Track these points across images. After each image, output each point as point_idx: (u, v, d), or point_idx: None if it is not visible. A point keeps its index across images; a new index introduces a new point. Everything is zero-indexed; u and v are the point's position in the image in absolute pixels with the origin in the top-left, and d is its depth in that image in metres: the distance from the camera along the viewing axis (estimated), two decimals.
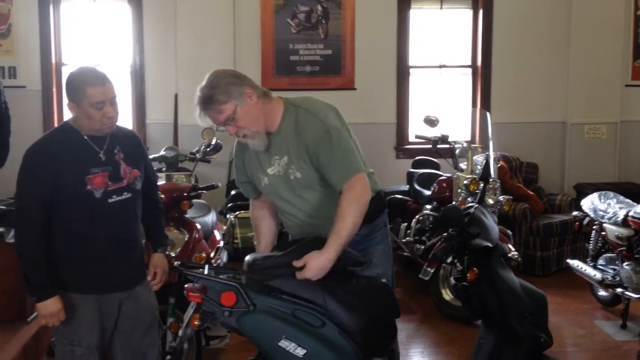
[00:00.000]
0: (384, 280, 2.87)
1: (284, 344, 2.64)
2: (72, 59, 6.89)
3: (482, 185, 3.69)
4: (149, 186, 3.13)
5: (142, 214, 3.11)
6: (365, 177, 2.78)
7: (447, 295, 5.10)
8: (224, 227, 5.22)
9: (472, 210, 2.90)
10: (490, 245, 2.75)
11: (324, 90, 6.84)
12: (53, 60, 6.79)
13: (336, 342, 2.68)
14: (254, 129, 2.82)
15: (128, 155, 2.94)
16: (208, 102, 2.76)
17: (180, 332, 2.76)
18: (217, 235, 4.76)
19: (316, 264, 2.66)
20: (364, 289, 2.79)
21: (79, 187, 2.77)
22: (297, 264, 2.67)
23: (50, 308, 2.77)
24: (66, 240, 2.82)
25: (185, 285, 2.72)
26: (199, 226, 4.07)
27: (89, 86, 2.72)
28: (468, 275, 2.78)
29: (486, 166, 3.57)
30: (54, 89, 6.81)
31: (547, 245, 6.21)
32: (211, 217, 4.68)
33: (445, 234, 2.77)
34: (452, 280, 2.96)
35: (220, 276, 2.75)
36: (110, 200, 2.84)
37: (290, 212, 2.98)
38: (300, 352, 2.64)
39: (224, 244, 5.08)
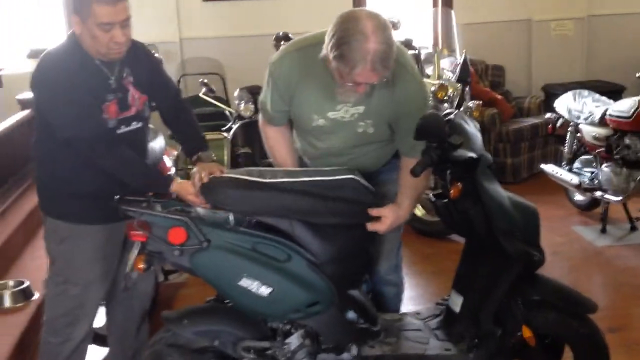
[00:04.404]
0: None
1: (245, 282, 2.30)
2: None
3: (455, 89, 3.30)
4: (170, 95, 2.75)
5: (172, 122, 2.78)
6: None
7: (418, 210, 4.82)
8: (175, 153, 4.81)
9: (452, 117, 2.54)
10: (474, 156, 2.40)
11: None
12: None
13: (305, 277, 2.36)
14: None
15: (137, 78, 2.55)
16: (385, 66, 2.27)
17: (124, 278, 2.40)
18: (168, 161, 4.34)
19: (396, 220, 2.53)
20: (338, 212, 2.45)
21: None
22: (373, 212, 2.48)
23: (183, 185, 2.45)
24: (74, 171, 2.50)
25: (127, 223, 2.35)
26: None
27: (96, 3, 2.28)
28: (451, 191, 2.44)
29: (463, 66, 3.18)
30: None
31: (517, 151, 5.98)
32: (159, 142, 4.24)
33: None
34: (432, 197, 2.63)
35: (167, 210, 2.37)
36: (118, 132, 2.48)
37: (327, 152, 2.65)
38: (265, 291, 2.31)
39: (177, 170, 4.70)
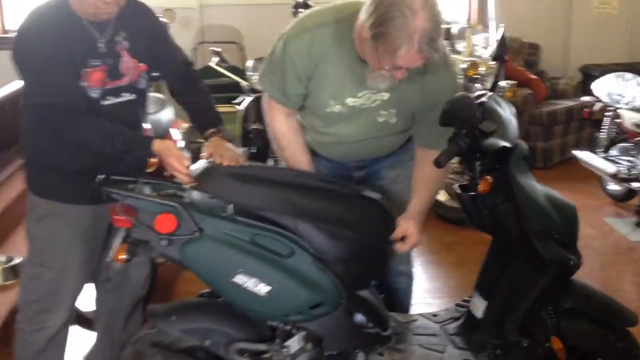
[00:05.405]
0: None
1: (241, 279, 2.04)
2: None
3: (489, 68, 2.95)
4: (177, 65, 2.46)
5: (180, 95, 2.49)
6: None
7: (442, 195, 4.52)
8: (185, 125, 4.54)
9: (484, 99, 2.23)
10: (508, 145, 2.10)
11: None
12: None
13: (309, 274, 2.09)
14: None
15: (135, 43, 2.25)
16: (432, 47, 1.97)
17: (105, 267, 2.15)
18: (177, 134, 4.09)
19: (419, 233, 2.34)
20: (348, 207, 2.19)
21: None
22: (398, 234, 2.31)
23: (166, 144, 2.20)
24: (56, 143, 2.22)
25: (110, 206, 2.09)
26: (146, 125, 3.36)
27: None
28: (480, 185, 2.15)
29: (501, 43, 2.83)
30: None
31: (550, 134, 5.66)
32: (167, 114, 3.97)
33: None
34: (457, 189, 2.34)
35: (156, 193, 2.11)
36: (104, 102, 2.20)
37: (337, 140, 2.39)
38: (263, 289, 2.05)
39: (188, 143, 4.43)
